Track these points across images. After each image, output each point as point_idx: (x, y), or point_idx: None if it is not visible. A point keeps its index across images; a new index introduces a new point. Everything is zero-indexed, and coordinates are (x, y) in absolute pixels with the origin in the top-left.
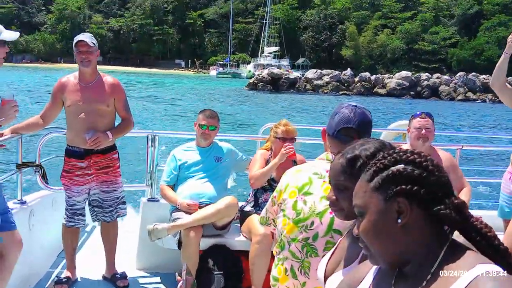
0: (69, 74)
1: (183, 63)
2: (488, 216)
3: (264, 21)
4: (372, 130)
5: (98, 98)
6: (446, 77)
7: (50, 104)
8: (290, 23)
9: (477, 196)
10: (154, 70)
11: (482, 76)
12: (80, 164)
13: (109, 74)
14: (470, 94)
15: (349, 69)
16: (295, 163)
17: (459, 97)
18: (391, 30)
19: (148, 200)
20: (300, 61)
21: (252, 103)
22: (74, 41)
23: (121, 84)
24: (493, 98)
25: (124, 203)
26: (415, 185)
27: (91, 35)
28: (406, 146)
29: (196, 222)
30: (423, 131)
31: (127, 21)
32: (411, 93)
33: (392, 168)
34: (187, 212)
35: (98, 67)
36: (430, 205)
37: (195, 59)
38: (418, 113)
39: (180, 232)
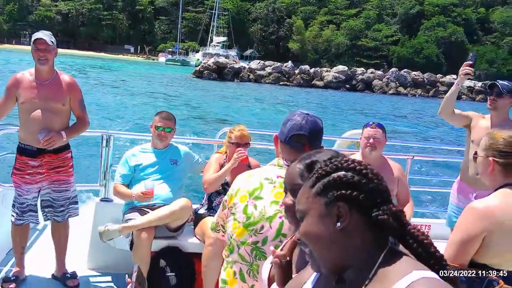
0: (22, 69)
1: (132, 49)
2: (438, 225)
3: (214, 11)
4: (327, 138)
5: (54, 96)
6: (379, 72)
7: (3, 100)
8: (239, 15)
9: (428, 205)
10: (102, 54)
11: (413, 73)
12: (32, 162)
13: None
14: (401, 89)
15: (290, 61)
16: (249, 167)
17: (390, 91)
18: (336, 26)
19: (101, 200)
20: (248, 52)
21: (195, 88)
22: (33, 38)
23: (77, 82)
24: (422, 93)
25: (76, 202)
26: (355, 191)
27: (50, 33)
28: (358, 154)
29: (149, 223)
30: (371, 140)
31: (76, 5)
32: (347, 86)
33: (333, 174)
34: (140, 214)
35: None
36: (369, 211)
37: (145, 45)
38: (369, 123)
39: (132, 233)
